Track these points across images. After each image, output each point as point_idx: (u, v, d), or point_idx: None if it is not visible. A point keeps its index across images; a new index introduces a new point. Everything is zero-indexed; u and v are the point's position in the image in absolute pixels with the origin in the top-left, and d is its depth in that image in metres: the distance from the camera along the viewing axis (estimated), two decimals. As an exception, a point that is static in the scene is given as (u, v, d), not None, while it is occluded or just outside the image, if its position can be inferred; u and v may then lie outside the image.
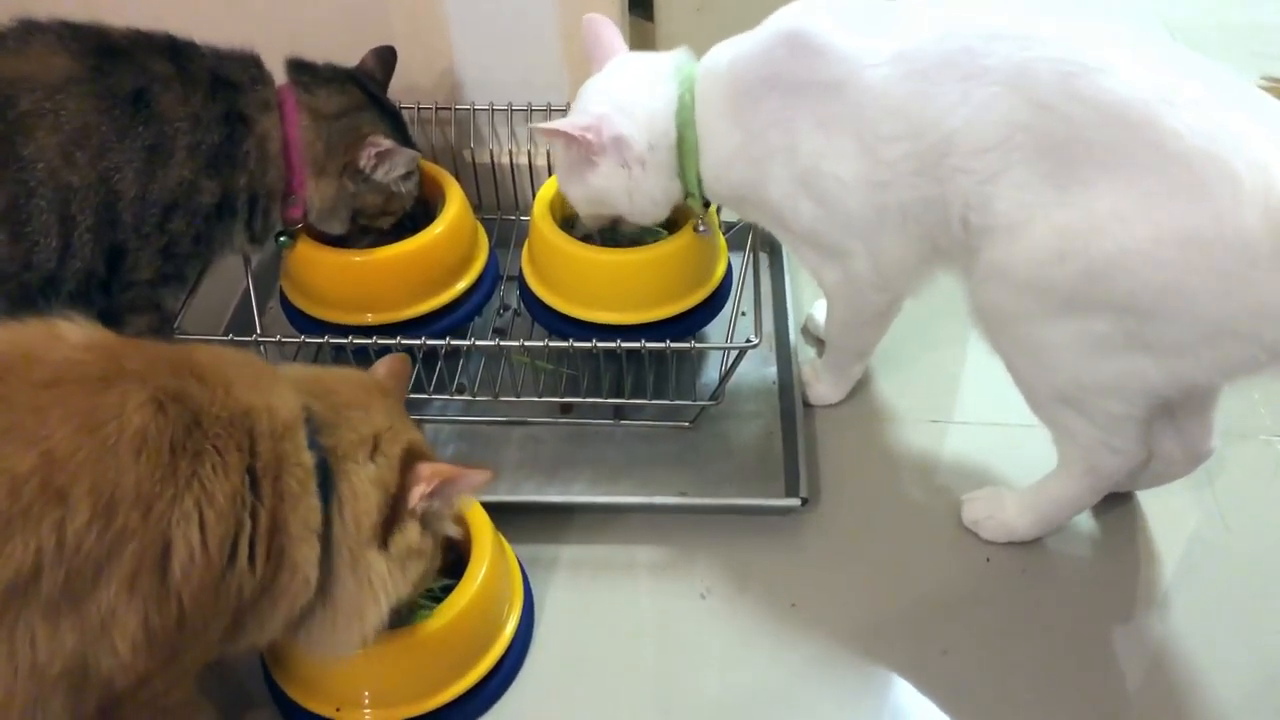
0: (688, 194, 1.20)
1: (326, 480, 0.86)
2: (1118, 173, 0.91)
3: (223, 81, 1.18)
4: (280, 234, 1.28)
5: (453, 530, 0.98)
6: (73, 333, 0.80)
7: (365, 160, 1.24)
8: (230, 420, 0.80)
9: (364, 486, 0.87)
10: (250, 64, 1.22)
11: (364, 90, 1.28)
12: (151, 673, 0.77)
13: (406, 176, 1.29)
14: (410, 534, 0.90)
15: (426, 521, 0.92)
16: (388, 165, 1.25)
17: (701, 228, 1.26)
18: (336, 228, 1.29)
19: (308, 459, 0.84)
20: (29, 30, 1.12)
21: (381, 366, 1.01)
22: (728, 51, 1.13)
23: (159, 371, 0.79)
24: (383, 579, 0.88)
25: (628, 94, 1.16)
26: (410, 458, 0.91)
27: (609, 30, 1.23)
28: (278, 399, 0.85)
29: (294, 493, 0.83)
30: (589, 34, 1.23)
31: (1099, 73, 0.92)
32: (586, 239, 1.30)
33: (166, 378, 0.79)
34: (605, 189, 1.18)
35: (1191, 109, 0.89)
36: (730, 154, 1.14)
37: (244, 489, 0.79)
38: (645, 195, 1.19)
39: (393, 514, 0.89)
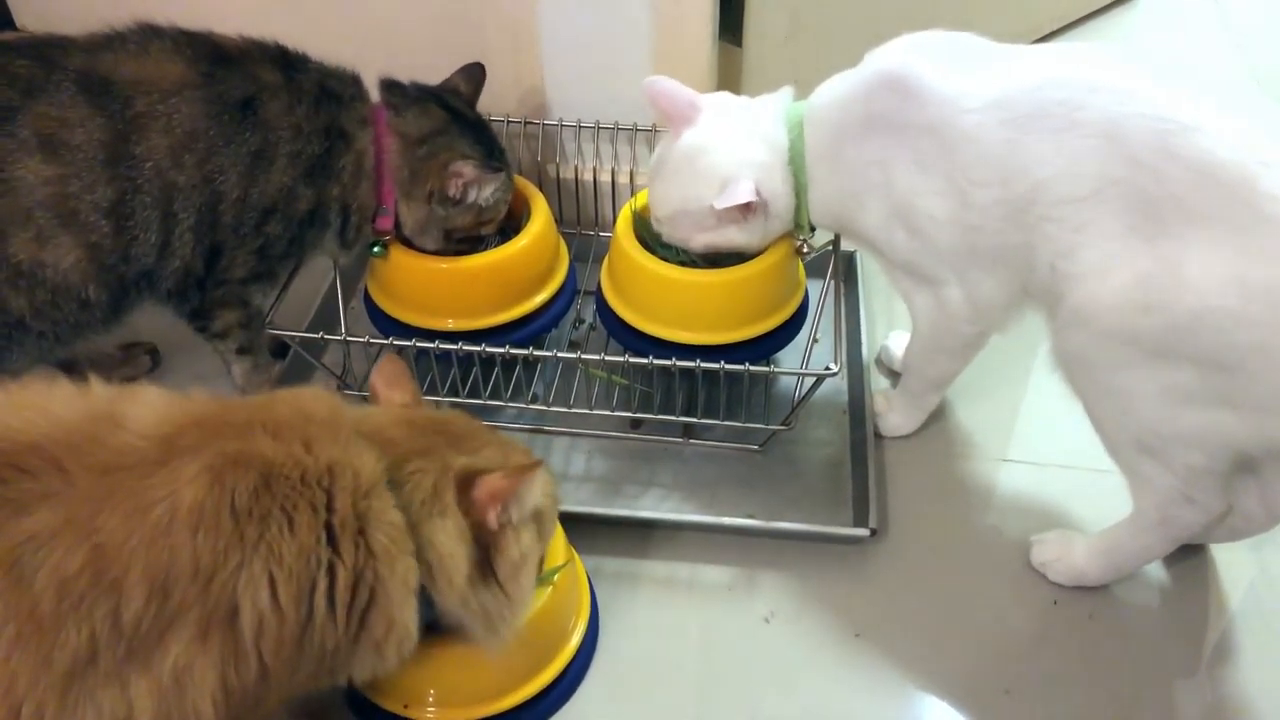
0: (797, 224, 1.25)
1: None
2: (1210, 231, 0.91)
3: (327, 95, 1.21)
4: (373, 244, 1.30)
5: (542, 501, 0.94)
6: (136, 416, 0.80)
7: (454, 190, 1.25)
8: (302, 478, 0.79)
9: (449, 546, 0.86)
10: (350, 81, 1.25)
11: (446, 108, 1.28)
12: (238, 718, 0.79)
13: (497, 190, 1.30)
14: (509, 550, 0.90)
15: (513, 523, 0.91)
16: (476, 190, 1.27)
17: (803, 247, 1.28)
18: (430, 245, 1.30)
19: (397, 517, 0.84)
20: (149, 34, 1.15)
21: (379, 378, 0.99)
22: (831, 92, 1.16)
23: (222, 436, 0.79)
24: (500, 604, 0.90)
25: (754, 153, 1.18)
26: (464, 483, 0.88)
27: (673, 85, 1.21)
28: (357, 457, 0.83)
29: (387, 550, 0.82)
30: (654, 95, 1.21)
31: (1195, 131, 0.92)
32: (666, 260, 1.31)
33: (230, 441, 0.79)
34: (746, 240, 1.23)
35: None
36: (831, 192, 1.18)
37: (318, 545, 0.79)
38: (770, 237, 1.25)
39: (484, 550, 0.89)
